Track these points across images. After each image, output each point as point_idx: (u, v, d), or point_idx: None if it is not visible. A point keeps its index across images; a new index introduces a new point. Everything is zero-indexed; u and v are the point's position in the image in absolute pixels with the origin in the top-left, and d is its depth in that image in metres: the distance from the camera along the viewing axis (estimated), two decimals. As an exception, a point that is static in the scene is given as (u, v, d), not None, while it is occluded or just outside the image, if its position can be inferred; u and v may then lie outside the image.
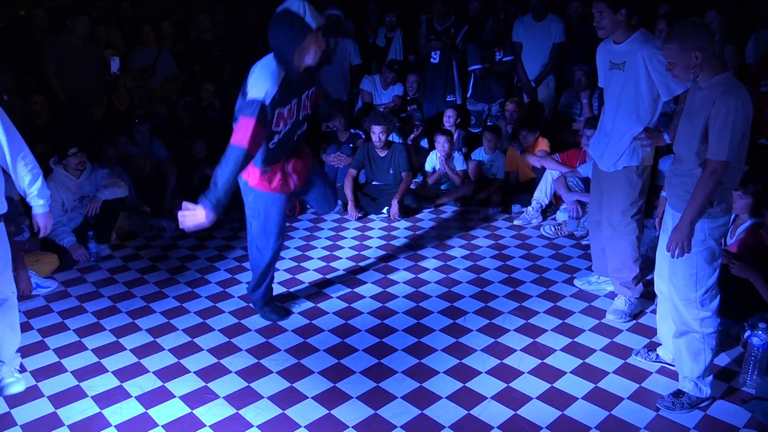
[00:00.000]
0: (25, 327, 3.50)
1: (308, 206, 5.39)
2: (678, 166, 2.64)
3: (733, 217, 3.45)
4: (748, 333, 3.00)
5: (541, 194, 5.14)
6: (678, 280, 2.63)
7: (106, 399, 2.86)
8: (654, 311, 3.36)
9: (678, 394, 2.74)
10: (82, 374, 3.06)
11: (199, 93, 6.07)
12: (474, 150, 5.82)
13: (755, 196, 3.45)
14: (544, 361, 3.13)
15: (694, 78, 2.48)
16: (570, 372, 3.03)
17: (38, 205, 2.96)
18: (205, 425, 2.68)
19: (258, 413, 2.75)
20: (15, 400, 2.85)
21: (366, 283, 4.05)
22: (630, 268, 3.50)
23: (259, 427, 2.67)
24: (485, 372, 3.04)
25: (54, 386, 2.96)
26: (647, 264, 3.72)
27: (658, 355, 3.06)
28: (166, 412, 2.76)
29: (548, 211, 5.22)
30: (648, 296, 3.56)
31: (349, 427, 2.67)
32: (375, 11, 6.68)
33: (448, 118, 5.87)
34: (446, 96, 6.25)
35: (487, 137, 5.66)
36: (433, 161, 5.73)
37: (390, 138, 5.58)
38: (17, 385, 2.91)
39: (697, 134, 2.48)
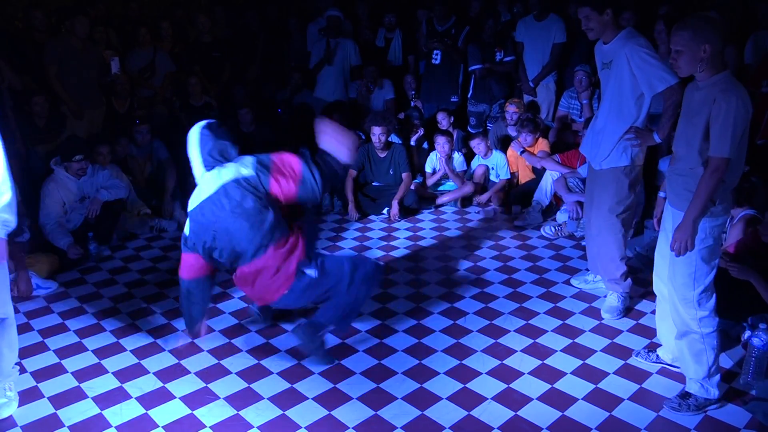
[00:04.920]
0: (25, 328, 3.50)
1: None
2: (678, 165, 2.65)
3: None
4: (748, 334, 3.00)
5: (542, 195, 5.14)
6: (677, 279, 2.64)
7: (106, 400, 2.86)
8: (654, 312, 3.36)
9: (685, 395, 2.74)
10: (83, 375, 3.06)
11: (187, 88, 5.98)
12: (472, 159, 5.81)
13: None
14: (545, 361, 3.13)
15: (700, 71, 2.47)
16: (570, 373, 3.03)
17: None
18: (206, 426, 2.68)
19: (258, 414, 2.75)
20: (15, 401, 2.85)
21: (366, 283, 4.04)
22: (617, 265, 3.54)
23: (259, 428, 2.67)
24: (485, 373, 3.04)
25: (54, 387, 2.96)
26: (646, 264, 3.72)
27: (658, 355, 3.06)
28: (167, 413, 2.76)
29: (548, 211, 5.22)
30: (649, 296, 3.56)
31: (349, 427, 2.67)
32: (365, 12, 6.67)
33: (440, 123, 5.86)
34: (450, 97, 6.25)
35: (476, 144, 5.60)
36: (433, 162, 5.73)
37: (390, 139, 5.58)
38: (7, 408, 2.74)
39: (698, 133, 2.49)
